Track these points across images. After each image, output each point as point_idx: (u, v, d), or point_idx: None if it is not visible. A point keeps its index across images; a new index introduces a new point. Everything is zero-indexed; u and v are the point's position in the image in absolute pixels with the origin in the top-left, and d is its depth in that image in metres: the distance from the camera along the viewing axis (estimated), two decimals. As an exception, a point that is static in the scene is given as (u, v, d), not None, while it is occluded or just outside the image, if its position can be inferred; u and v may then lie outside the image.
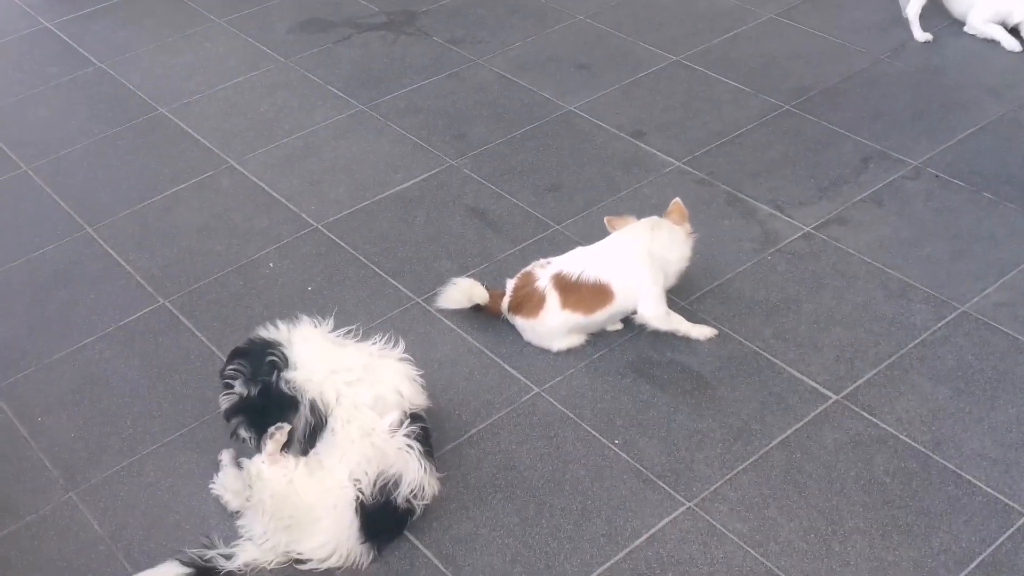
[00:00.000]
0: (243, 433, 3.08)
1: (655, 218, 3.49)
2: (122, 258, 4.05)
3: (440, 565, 2.91)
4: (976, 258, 3.76)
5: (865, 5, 5.27)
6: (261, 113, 4.82)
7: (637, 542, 2.94)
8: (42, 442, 3.36)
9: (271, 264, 3.97)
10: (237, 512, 3.02)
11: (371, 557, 2.91)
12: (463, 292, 3.54)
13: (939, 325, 3.51)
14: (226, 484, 3.06)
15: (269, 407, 3.00)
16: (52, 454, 3.31)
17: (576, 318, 3.41)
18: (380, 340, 3.26)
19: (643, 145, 4.43)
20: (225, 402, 3.08)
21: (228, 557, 2.90)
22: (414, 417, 3.04)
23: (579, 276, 3.38)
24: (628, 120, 4.59)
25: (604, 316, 3.44)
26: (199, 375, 3.52)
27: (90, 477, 3.23)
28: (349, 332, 3.26)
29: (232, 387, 3.06)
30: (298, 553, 2.89)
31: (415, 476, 2.91)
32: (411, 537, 2.98)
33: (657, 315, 3.44)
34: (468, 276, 3.72)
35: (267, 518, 2.88)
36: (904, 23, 5.01)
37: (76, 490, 3.20)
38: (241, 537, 2.95)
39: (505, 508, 3.05)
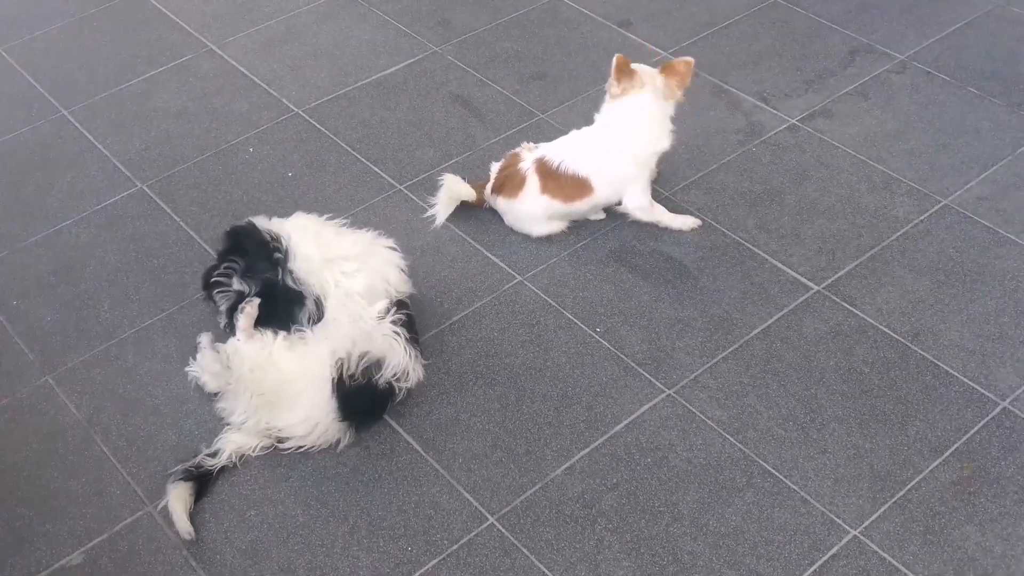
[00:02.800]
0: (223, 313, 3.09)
1: (649, 104, 3.32)
2: (99, 142, 3.98)
3: (420, 449, 2.93)
4: (959, 152, 3.74)
5: None
6: (240, -4, 4.72)
7: (617, 428, 2.96)
8: (18, 326, 3.33)
9: (251, 149, 3.91)
10: (215, 394, 3.02)
11: (350, 438, 2.92)
12: (448, 191, 3.50)
13: (921, 218, 3.51)
14: (204, 365, 3.05)
15: (275, 301, 2.99)
16: (28, 338, 3.29)
17: (555, 205, 3.39)
18: (372, 231, 3.26)
19: (630, 35, 4.37)
20: (223, 301, 3.06)
21: (213, 455, 2.89)
22: (399, 304, 3.06)
23: (560, 165, 3.35)
24: (615, 9, 4.52)
25: (583, 207, 3.42)
26: (177, 260, 3.49)
27: (67, 361, 3.22)
28: (343, 221, 3.27)
29: (228, 285, 3.05)
30: (278, 430, 2.90)
31: (399, 360, 2.92)
32: (391, 422, 2.99)
33: (640, 206, 3.43)
34: (450, 165, 3.69)
35: (248, 393, 2.89)
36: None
37: (52, 374, 3.19)
38: (222, 427, 2.95)
39: (486, 394, 3.06)
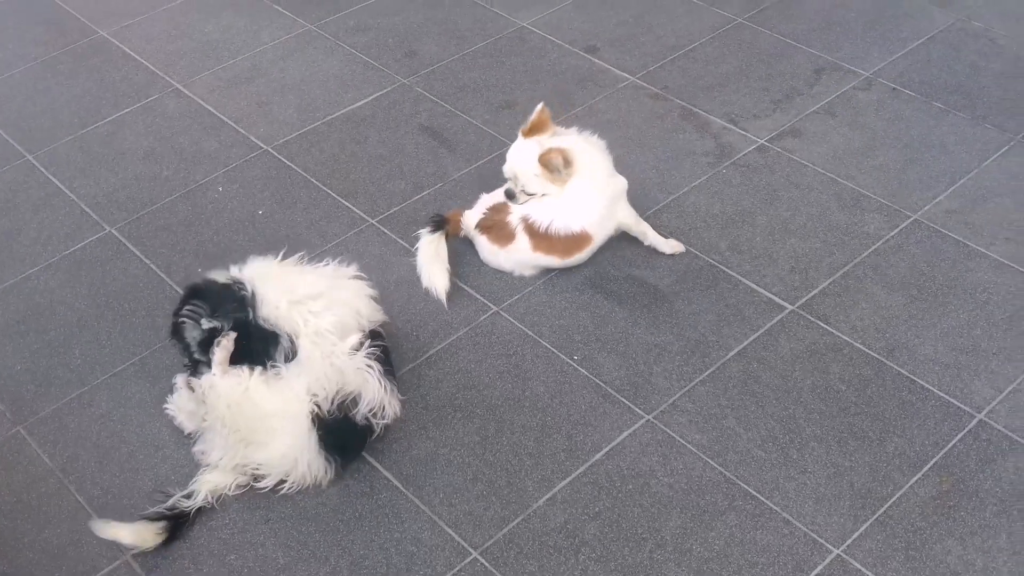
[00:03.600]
0: (195, 359, 3.02)
1: (592, 156, 3.34)
2: (65, 185, 3.95)
3: (400, 486, 2.91)
4: (927, 167, 3.77)
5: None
6: (206, 34, 4.71)
7: (597, 456, 2.95)
8: (-10, 374, 3.30)
9: (220, 188, 3.89)
10: (191, 438, 2.99)
11: (331, 474, 2.89)
12: (429, 260, 3.45)
13: (892, 233, 3.52)
14: (180, 405, 3.02)
15: (250, 340, 2.96)
16: None
17: (550, 259, 3.39)
18: (332, 261, 3.24)
19: (597, 60, 4.38)
20: (196, 334, 3.00)
21: (189, 496, 2.85)
22: (373, 335, 3.04)
23: (548, 227, 3.32)
24: (581, 35, 4.53)
25: (584, 256, 3.42)
26: (148, 303, 3.46)
27: (38, 410, 3.18)
28: (301, 256, 3.24)
29: (196, 324, 3.00)
30: (256, 467, 2.87)
31: (374, 395, 2.90)
32: (370, 459, 2.97)
33: (629, 219, 3.44)
34: (423, 196, 3.71)
35: (225, 430, 2.86)
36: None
37: (24, 424, 3.15)
38: (198, 469, 2.92)
39: (465, 427, 3.05)
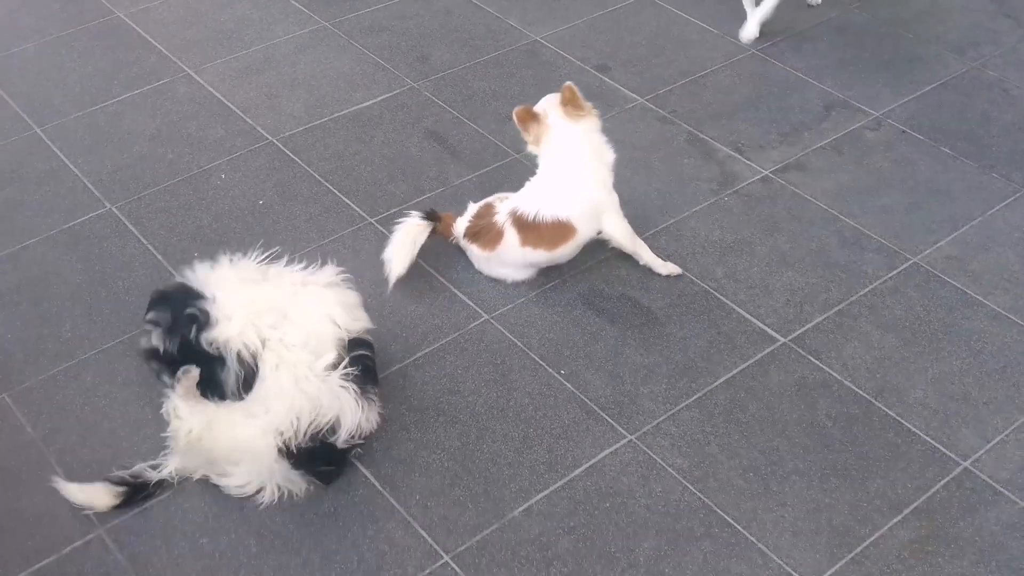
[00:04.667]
0: (166, 380, 2.93)
1: (579, 131, 3.37)
2: (70, 161, 3.95)
3: (378, 485, 2.90)
4: (931, 211, 3.77)
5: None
6: (221, 23, 4.71)
7: (576, 472, 2.94)
8: (-22, 341, 3.29)
9: (223, 176, 3.89)
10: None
11: (306, 490, 2.85)
12: (405, 241, 3.43)
13: (890, 275, 3.52)
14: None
15: (191, 362, 2.86)
16: (-12, 354, 3.25)
17: (538, 254, 3.38)
18: (300, 265, 3.12)
19: (607, 80, 4.39)
20: (144, 345, 2.97)
21: (155, 467, 2.85)
22: (356, 343, 2.94)
23: (536, 215, 3.33)
24: (594, 53, 4.54)
25: (568, 250, 3.41)
26: (143, 283, 3.45)
27: (25, 379, 3.17)
28: (267, 258, 3.12)
29: (151, 334, 2.94)
30: (222, 487, 2.85)
31: (351, 419, 2.80)
32: (350, 457, 2.95)
33: (621, 230, 3.42)
34: (423, 200, 3.70)
35: (186, 456, 2.83)
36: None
37: (10, 391, 3.14)
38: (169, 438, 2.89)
39: (447, 432, 3.04)
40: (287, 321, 2.89)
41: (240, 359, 2.83)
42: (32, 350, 3.26)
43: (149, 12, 4.78)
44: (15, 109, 4.20)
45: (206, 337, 2.84)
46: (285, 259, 3.18)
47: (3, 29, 4.66)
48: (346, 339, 2.93)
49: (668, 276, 3.47)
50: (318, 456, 2.80)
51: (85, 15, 4.76)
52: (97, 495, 2.80)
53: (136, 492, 2.83)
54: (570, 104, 3.34)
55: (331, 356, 2.86)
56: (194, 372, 2.82)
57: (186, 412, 2.79)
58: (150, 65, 4.46)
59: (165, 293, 3.03)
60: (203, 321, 2.86)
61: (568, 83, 3.36)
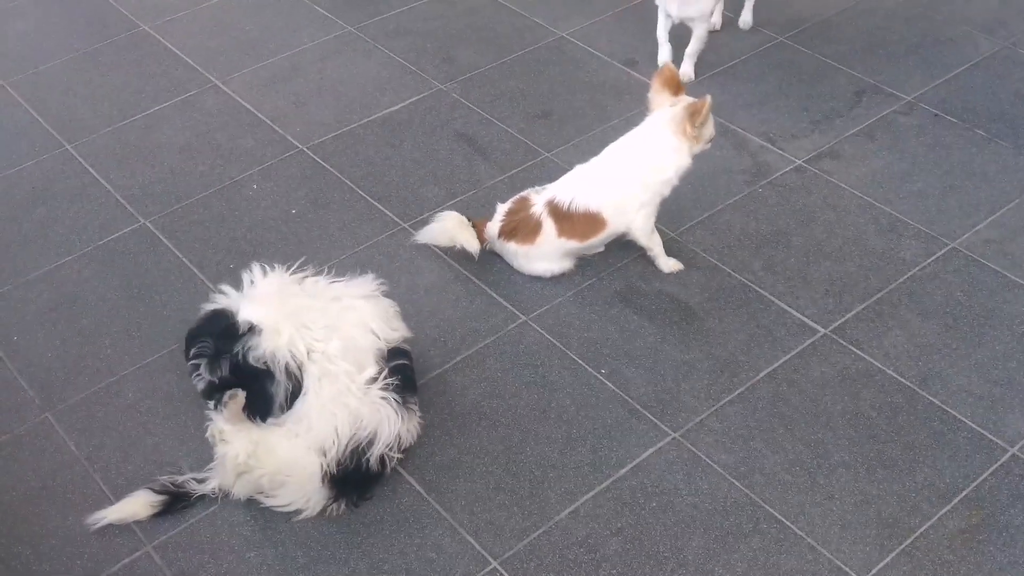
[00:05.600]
0: (209, 404, 2.96)
1: (670, 127, 3.29)
2: (102, 176, 3.97)
3: (423, 492, 2.89)
4: (967, 194, 3.73)
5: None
6: (246, 32, 4.72)
7: (622, 471, 2.92)
8: (18, 362, 3.30)
9: (254, 186, 3.90)
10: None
11: (339, 511, 2.85)
12: (446, 232, 3.46)
13: (928, 261, 3.48)
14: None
15: (246, 382, 2.85)
16: (28, 374, 3.26)
17: (571, 244, 3.38)
18: (333, 275, 3.13)
19: (635, 74, 4.36)
20: (200, 384, 2.96)
21: (201, 481, 2.87)
22: (394, 352, 2.95)
23: (571, 204, 3.33)
24: (620, 48, 4.52)
25: (598, 240, 3.42)
26: (179, 296, 3.46)
27: (67, 398, 3.19)
28: (297, 268, 3.13)
29: (199, 370, 2.94)
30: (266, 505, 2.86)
31: (390, 432, 2.81)
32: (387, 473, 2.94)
33: (644, 229, 3.41)
34: (455, 203, 3.69)
35: (235, 484, 2.82)
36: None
37: (52, 410, 3.16)
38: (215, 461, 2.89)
39: (490, 436, 3.03)
40: (329, 332, 2.90)
41: (288, 371, 2.84)
42: (72, 368, 3.27)
43: (174, 24, 4.79)
44: (45, 127, 4.22)
45: (254, 354, 2.85)
46: (312, 269, 3.19)
47: (30, 47, 4.69)
48: (385, 349, 2.93)
49: (670, 273, 3.47)
50: (356, 484, 2.82)
51: (110, 29, 4.78)
52: (137, 505, 2.82)
53: (176, 502, 2.85)
54: (687, 118, 3.24)
55: (372, 370, 2.87)
56: (240, 396, 2.80)
57: (232, 436, 2.78)
58: (177, 77, 4.47)
59: (198, 328, 3.02)
60: (247, 338, 2.87)
61: (708, 97, 3.21)
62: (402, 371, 2.93)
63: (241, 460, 2.75)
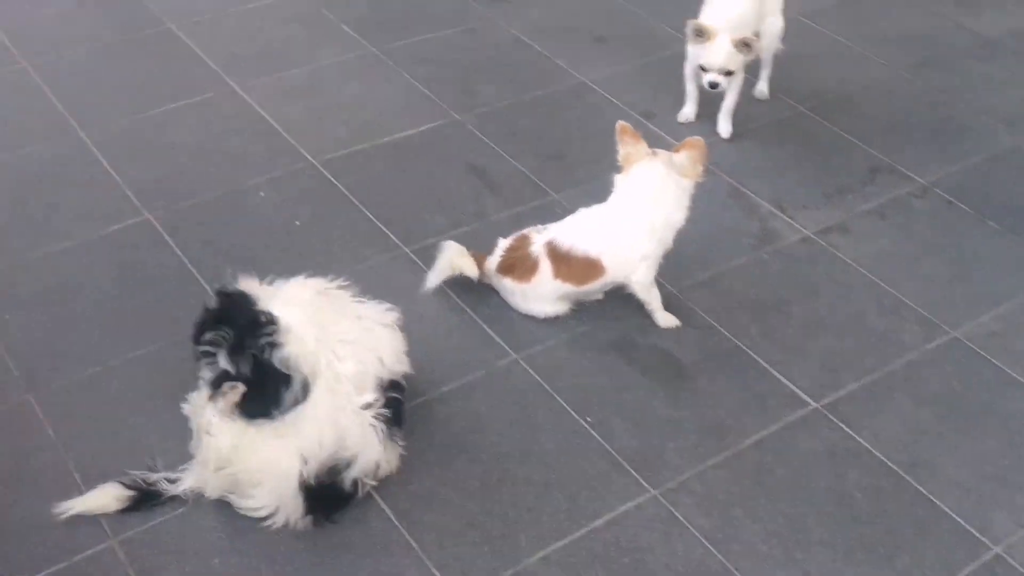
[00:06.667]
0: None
1: (662, 172, 3.31)
2: (112, 167, 3.95)
3: (395, 519, 2.85)
4: (974, 285, 3.71)
5: (892, 17, 5.21)
6: (271, 42, 4.73)
7: (597, 523, 2.88)
8: (6, 339, 3.28)
9: (262, 193, 3.88)
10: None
11: (308, 525, 2.81)
12: (447, 260, 3.44)
13: (929, 347, 3.46)
14: (198, 404, 2.88)
15: (262, 380, 2.77)
16: (15, 353, 3.24)
17: (567, 288, 3.36)
18: (372, 300, 3.08)
19: (652, 126, 4.36)
20: (209, 372, 2.83)
21: (173, 481, 2.83)
22: (392, 385, 2.91)
23: (571, 248, 3.32)
24: (640, 99, 4.52)
25: (594, 288, 3.41)
26: (175, 294, 3.43)
27: (51, 382, 3.16)
28: (335, 282, 3.07)
29: (213, 356, 2.80)
30: (238, 507, 2.81)
31: (370, 459, 2.79)
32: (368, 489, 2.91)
33: (644, 283, 3.39)
34: (459, 233, 3.67)
35: (209, 471, 2.78)
36: (931, 39, 4.96)
37: (35, 392, 3.12)
38: (190, 461, 2.86)
39: (468, 470, 2.99)
40: (347, 351, 2.86)
41: (304, 387, 2.77)
42: (60, 353, 3.24)
43: (200, 26, 4.80)
44: (61, 111, 4.21)
45: (279, 356, 2.75)
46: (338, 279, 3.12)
47: (56, 32, 4.69)
48: (386, 380, 2.90)
49: (667, 328, 3.44)
50: (328, 501, 2.79)
51: (137, 23, 4.79)
52: (106, 498, 2.79)
53: (146, 499, 2.81)
54: (699, 158, 3.27)
55: (370, 396, 2.83)
56: (240, 389, 2.75)
57: (219, 430, 2.75)
58: (197, 78, 4.47)
59: (221, 310, 2.85)
60: (275, 337, 2.77)
61: (700, 140, 3.27)
62: (395, 405, 2.89)
63: (224, 454, 2.72)
